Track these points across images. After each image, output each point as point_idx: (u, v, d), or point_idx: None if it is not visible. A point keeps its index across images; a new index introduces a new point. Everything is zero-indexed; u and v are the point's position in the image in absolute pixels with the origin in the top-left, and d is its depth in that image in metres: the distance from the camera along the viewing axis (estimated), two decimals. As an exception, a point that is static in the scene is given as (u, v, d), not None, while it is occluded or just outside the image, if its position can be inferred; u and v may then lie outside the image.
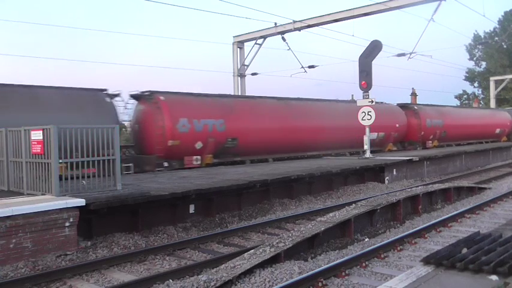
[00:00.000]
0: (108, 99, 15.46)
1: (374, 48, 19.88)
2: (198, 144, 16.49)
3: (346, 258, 7.51)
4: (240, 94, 27.06)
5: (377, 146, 24.34)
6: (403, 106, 27.71)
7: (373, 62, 19.85)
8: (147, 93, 16.42)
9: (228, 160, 17.67)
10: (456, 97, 64.69)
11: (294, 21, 24.82)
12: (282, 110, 19.83)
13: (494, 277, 4.92)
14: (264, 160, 18.97)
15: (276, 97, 20.57)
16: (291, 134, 19.44)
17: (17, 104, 13.40)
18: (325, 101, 23.29)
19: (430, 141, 27.98)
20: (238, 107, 18.47)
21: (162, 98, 16.17)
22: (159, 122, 15.71)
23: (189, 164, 16.37)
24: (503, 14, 57.61)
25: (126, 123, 17.87)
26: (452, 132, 29.55)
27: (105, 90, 15.45)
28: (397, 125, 25.64)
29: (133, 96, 16.69)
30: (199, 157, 16.60)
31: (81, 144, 9.33)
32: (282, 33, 26.02)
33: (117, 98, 15.80)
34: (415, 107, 28.12)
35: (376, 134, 23.33)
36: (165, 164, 15.92)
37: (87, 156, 9.42)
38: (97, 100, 15.18)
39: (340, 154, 22.49)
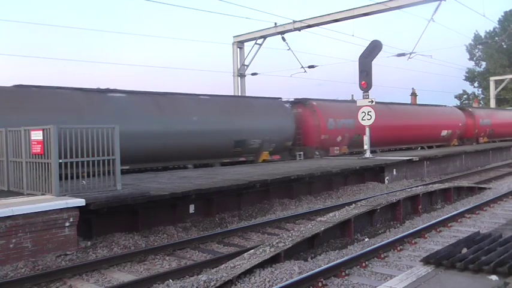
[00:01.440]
0: (286, 105, 20.68)
1: (374, 48, 19.89)
2: (339, 138, 21.65)
3: (346, 258, 7.51)
4: (237, 94, 27.15)
5: (445, 141, 29.70)
6: (460, 108, 33.06)
7: (373, 62, 19.88)
8: (299, 99, 21.55)
9: (354, 151, 22.41)
10: (456, 97, 64.87)
11: (294, 21, 24.81)
12: (386, 112, 23.92)
13: (494, 277, 4.93)
14: (373, 151, 22.76)
15: (381, 102, 24.59)
16: (392, 130, 24.29)
17: (240, 110, 18.16)
18: (414, 105, 30.42)
19: (481, 138, 33.06)
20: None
21: (315, 103, 21.26)
22: (315, 122, 20.82)
23: (332, 153, 21.44)
24: (503, 14, 57.78)
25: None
26: (497, 130, 34.52)
27: (280, 98, 20.69)
28: (460, 124, 30.79)
29: (290, 102, 21.47)
30: (338, 148, 21.68)
31: (86, 143, 9.36)
32: (282, 33, 26.00)
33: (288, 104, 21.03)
34: (470, 109, 33.27)
35: (446, 131, 29.11)
36: (317, 153, 20.87)
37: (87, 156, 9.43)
38: (280, 106, 20.36)
39: (430, 146, 28.34)
